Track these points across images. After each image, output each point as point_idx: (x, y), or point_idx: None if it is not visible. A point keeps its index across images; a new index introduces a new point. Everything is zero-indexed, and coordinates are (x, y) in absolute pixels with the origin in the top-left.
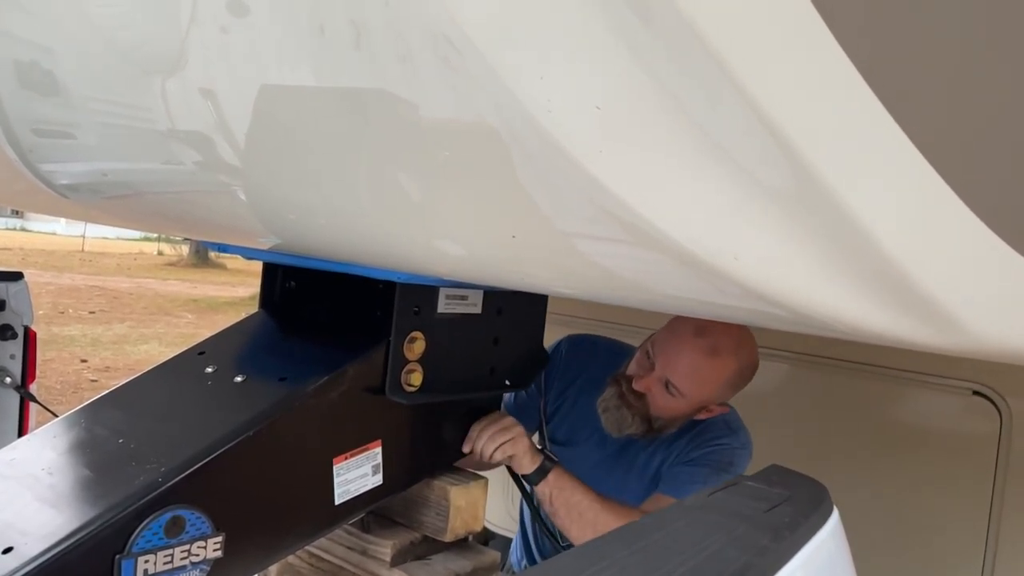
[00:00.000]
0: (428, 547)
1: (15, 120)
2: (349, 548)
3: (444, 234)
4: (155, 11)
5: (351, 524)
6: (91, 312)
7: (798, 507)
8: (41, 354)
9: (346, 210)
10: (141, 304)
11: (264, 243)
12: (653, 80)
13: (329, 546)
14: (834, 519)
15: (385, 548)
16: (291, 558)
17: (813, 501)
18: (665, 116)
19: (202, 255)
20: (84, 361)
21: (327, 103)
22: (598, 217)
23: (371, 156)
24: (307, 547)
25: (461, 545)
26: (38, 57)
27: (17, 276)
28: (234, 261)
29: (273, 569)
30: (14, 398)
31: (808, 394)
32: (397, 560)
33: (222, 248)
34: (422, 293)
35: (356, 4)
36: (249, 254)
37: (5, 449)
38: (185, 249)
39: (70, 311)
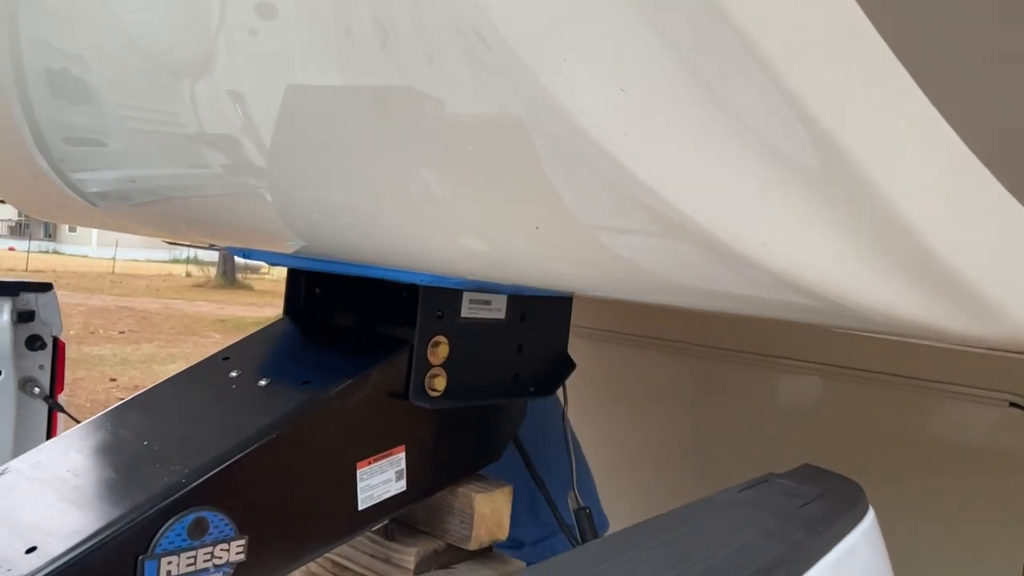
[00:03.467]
0: (452, 556)
1: (47, 129)
2: (372, 556)
3: (467, 228)
4: (185, 16)
5: (374, 532)
6: (120, 332)
7: (832, 504)
8: (71, 373)
9: (371, 208)
10: (169, 324)
11: (289, 246)
12: (678, 59)
13: (352, 554)
14: (870, 517)
15: (408, 556)
16: (313, 566)
17: (848, 499)
18: (690, 97)
19: (229, 276)
20: (113, 380)
21: (354, 102)
22: (622, 205)
23: (396, 152)
24: (329, 555)
25: (485, 554)
26: (70, 65)
27: (46, 287)
28: (261, 283)
29: None
30: (42, 408)
31: (842, 407)
32: (421, 568)
33: (247, 254)
34: (445, 297)
35: (382, 2)
36: (274, 259)
37: (31, 452)
38: (213, 271)
39: (100, 331)
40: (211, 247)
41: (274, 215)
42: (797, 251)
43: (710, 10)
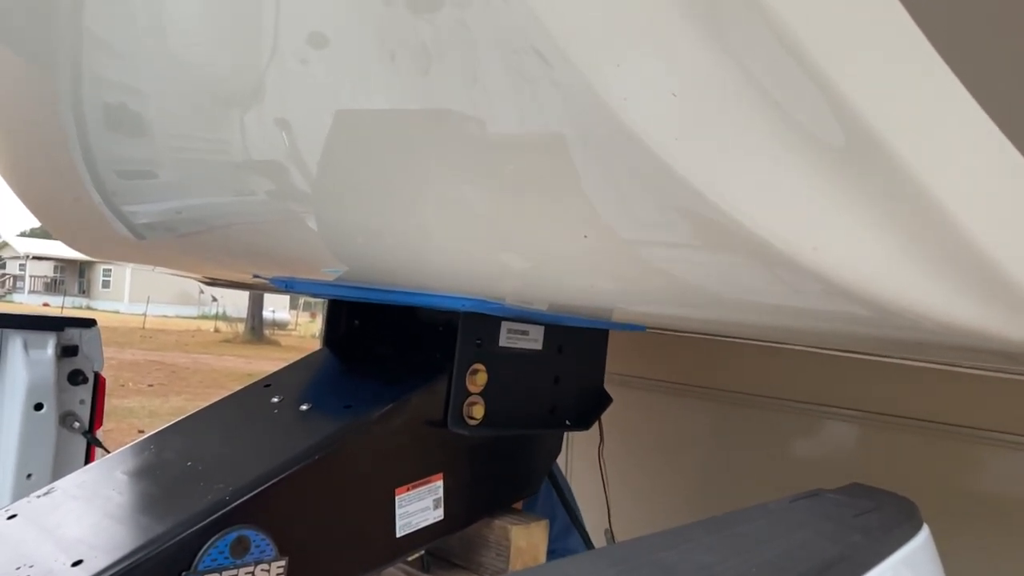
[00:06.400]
0: None
1: (102, 163)
2: None
3: (514, 244)
4: (239, 47)
5: (409, 564)
6: (149, 385)
7: (887, 516)
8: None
9: (420, 230)
10: (197, 378)
11: (332, 273)
12: (730, 64)
13: None
14: (925, 532)
15: None
16: None
17: (902, 512)
18: (743, 100)
19: (257, 332)
20: (141, 432)
21: (402, 126)
22: (672, 212)
23: (443, 173)
24: None
25: None
26: (127, 99)
27: (90, 323)
28: (287, 339)
29: None
30: (81, 443)
31: (880, 455)
32: None
33: (288, 284)
34: (484, 325)
35: (431, 28)
36: (318, 290)
37: (75, 473)
38: (241, 327)
39: (130, 384)
40: (254, 279)
41: (318, 240)
42: (848, 254)
43: (756, 12)
